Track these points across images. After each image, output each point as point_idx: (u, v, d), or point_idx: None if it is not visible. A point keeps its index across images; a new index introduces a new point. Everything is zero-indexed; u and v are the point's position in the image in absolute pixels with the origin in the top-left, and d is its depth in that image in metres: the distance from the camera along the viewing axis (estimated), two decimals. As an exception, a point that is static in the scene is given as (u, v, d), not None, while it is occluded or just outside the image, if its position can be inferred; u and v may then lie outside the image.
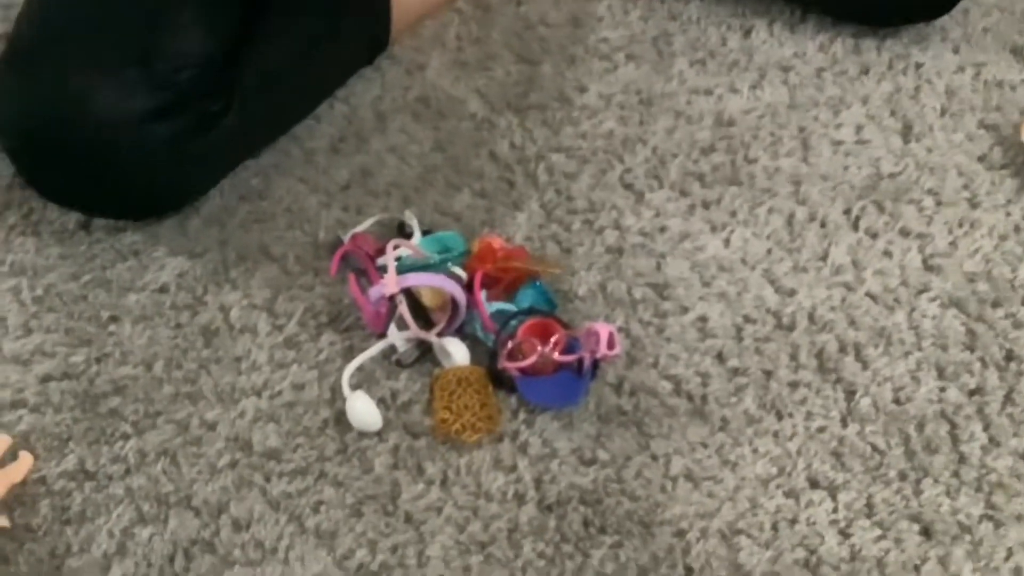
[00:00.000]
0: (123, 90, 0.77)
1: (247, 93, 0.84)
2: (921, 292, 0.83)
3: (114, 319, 0.81)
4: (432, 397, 0.77)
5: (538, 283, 0.82)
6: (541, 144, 0.94)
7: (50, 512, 0.71)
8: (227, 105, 0.83)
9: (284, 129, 0.92)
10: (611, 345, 0.76)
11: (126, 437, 0.75)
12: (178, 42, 0.80)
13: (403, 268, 0.79)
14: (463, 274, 0.81)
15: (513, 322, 0.79)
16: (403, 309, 0.77)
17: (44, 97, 0.78)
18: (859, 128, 0.95)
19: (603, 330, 0.75)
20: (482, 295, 0.79)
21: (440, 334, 0.79)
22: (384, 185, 0.91)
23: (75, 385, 0.77)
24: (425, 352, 0.80)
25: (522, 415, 0.77)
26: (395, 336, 0.79)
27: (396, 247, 0.80)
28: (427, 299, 0.80)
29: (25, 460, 0.72)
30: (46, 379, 0.78)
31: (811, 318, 0.82)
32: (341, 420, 0.76)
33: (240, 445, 0.75)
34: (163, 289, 0.83)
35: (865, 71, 0.99)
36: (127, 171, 0.79)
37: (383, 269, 0.79)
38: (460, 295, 0.78)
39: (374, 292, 0.78)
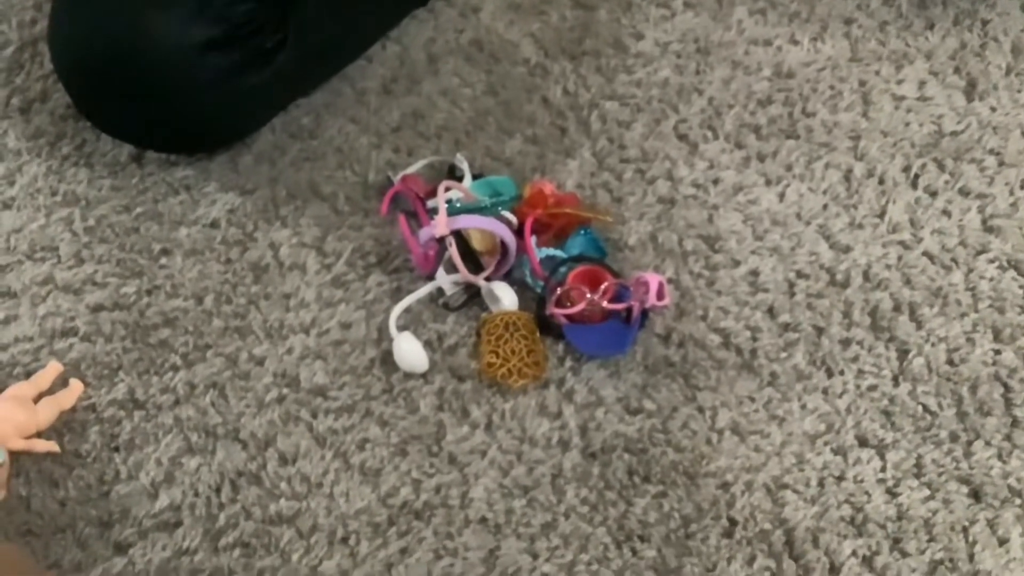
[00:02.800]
0: (179, 22, 0.77)
1: (301, 30, 0.83)
2: (980, 253, 0.81)
3: (165, 252, 0.81)
4: (479, 341, 0.77)
5: (589, 230, 0.81)
6: (595, 91, 0.92)
7: (99, 439, 0.72)
8: (281, 42, 0.82)
9: (336, 69, 0.91)
10: (660, 295, 0.75)
11: (175, 369, 0.75)
12: None
13: (454, 211, 0.79)
14: (514, 219, 0.80)
15: (562, 269, 0.78)
16: (453, 251, 0.76)
17: (101, 28, 0.77)
18: (922, 84, 0.92)
19: (653, 280, 0.74)
20: (532, 240, 0.79)
21: (488, 278, 0.78)
22: (435, 128, 0.90)
23: (126, 316, 0.78)
24: (473, 296, 0.79)
25: (568, 362, 0.76)
26: (443, 279, 0.79)
27: (447, 189, 0.80)
28: (477, 243, 0.80)
29: (75, 387, 0.73)
30: (97, 309, 0.78)
31: (866, 275, 0.80)
32: (387, 360, 0.76)
33: (287, 381, 0.75)
34: (214, 224, 0.83)
35: (930, 26, 0.97)
36: (181, 103, 0.79)
37: (433, 211, 0.79)
38: (511, 239, 0.77)
39: (424, 233, 0.77)
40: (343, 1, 0.87)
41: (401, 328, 0.77)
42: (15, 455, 0.69)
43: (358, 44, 0.93)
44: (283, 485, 0.71)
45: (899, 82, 0.92)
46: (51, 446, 0.70)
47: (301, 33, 0.83)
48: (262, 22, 0.80)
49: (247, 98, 0.82)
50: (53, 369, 0.74)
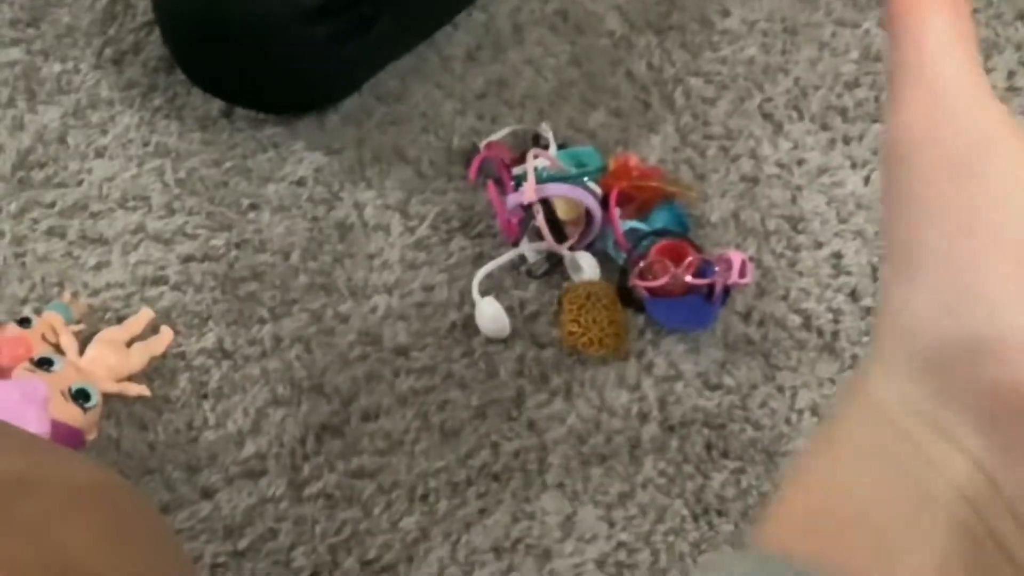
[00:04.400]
0: None
1: None
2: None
3: (253, 207, 0.83)
4: (560, 309, 0.77)
5: (672, 205, 0.81)
6: (680, 67, 0.92)
7: (188, 386, 0.74)
8: (379, 9, 0.83)
9: (427, 35, 0.92)
10: (743, 273, 0.75)
11: (263, 321, 0.77)
12: None
13: (541, 179, 0.79)
14: (598, 190, 0.80)
15: (645, 242, 0.78)
16: (539, 219, 0.77)
17: None
18: (1011, 74, 0.91)
19: (736, 257, 0.75)
20: (616, 212, 0.79)
21: (572, 248, 0.79)
22: (519, 96, 0.90)
23: (215, 267, 0.79)
24: (555, 265, 0.80)
25: (648, 335, 0.77)
26: (526, 246, 0.79)
27: (536, 157, 0.80)
28: (562, 211, 0.80)
29: (166, 334, 0.75)
30: (188, 259, 0.80)
31: (950, 263, 0.80)
32: (468, 324, 0.77)
33: (371, 339, 0.76)
34: (300, 182, 0.84)
35: (1020, 16, 0.95)
36: (283, 67, 0.80)
37: (518, 179, 0.79)
38: (596, 209, 0.78)
39: (511, 200, 0.78)
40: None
41: (484, 293, 0.78)
42: (107, 397, 0.71)
43: (449, 10, 0.93)
44: (365, 440, 0.72)
45: (989, 71, 0.91)
46: (142, 390, 0.72)
47: (396, 1, 0.84)
48: None
49: (345, 65, 0.83)
50: (144, 316, 0.75)
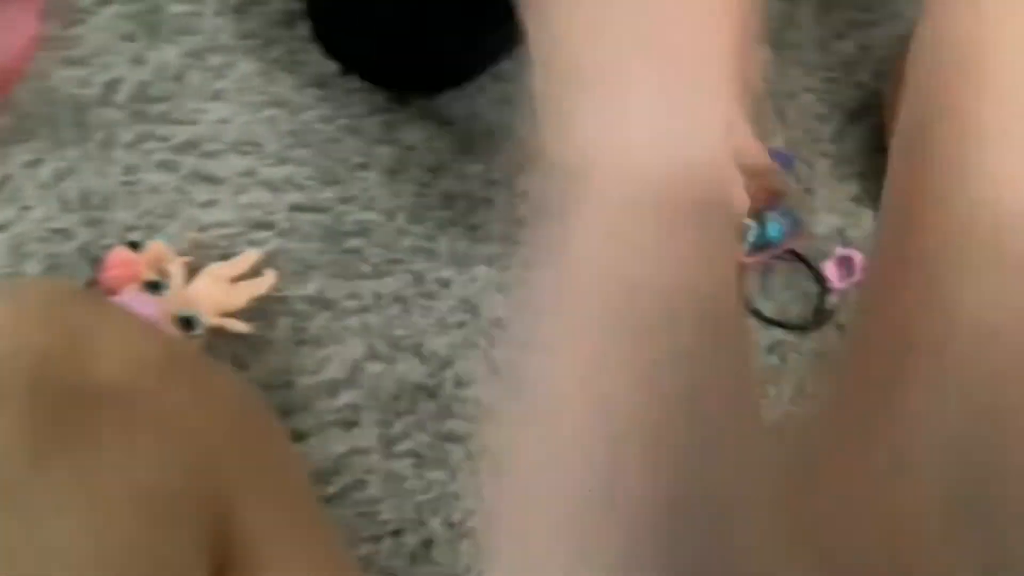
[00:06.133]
0: None
1: None
2: None
3: (363, 166, 0.83)
4: None
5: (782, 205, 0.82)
6: (793, 82, 0.92)
7: (287, 331, 0.74)
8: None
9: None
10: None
11: (365, 277, 0.77)
12: None
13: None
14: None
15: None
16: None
17: None
18: None
19: (856, 256, 0.77)
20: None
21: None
22: (631, 92, 0.91)
23: (322, 218, 0.79)
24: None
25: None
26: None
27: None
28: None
29: (269, 277, 0.75)
30: (295, 208, 0.80)
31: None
32: (566, 305, 0.77)
33: (469, 307, 0.76)
34: (411, 148, 0.84)
35: None
36: (421, 47, 0.80)
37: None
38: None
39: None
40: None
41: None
42: (208, 331, 0.71)
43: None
44: (456, 405, 0.72)
45: None
46: (243, 327, 0.72)
47: None
48: None
49: (482, 52, 0.84)
50: (249, 257, 0.75)
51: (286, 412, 0.70)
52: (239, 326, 0.72)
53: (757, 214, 0.81)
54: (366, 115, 0.86)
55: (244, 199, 0.80)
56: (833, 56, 0.94)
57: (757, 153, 0.81)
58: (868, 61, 0.94)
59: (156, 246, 0.73)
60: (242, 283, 0.74)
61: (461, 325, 0.75)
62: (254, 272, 0.75)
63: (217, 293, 0.72)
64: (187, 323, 0.67)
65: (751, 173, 0.82)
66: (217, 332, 0.72)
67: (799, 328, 0.77)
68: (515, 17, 0.89)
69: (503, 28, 0.84)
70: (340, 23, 0.82)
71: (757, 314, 0.77)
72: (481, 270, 0.78)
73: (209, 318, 0.70)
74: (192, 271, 0.74)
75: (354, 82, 0.88)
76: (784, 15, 0.97)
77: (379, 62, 0.84)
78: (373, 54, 0.83)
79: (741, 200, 0.40)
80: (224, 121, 0.84)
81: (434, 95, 0.88)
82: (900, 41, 0.94)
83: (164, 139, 0.83)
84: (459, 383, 0.73)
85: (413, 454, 0.69)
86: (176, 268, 0.72)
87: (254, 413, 0.50)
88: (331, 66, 0.88)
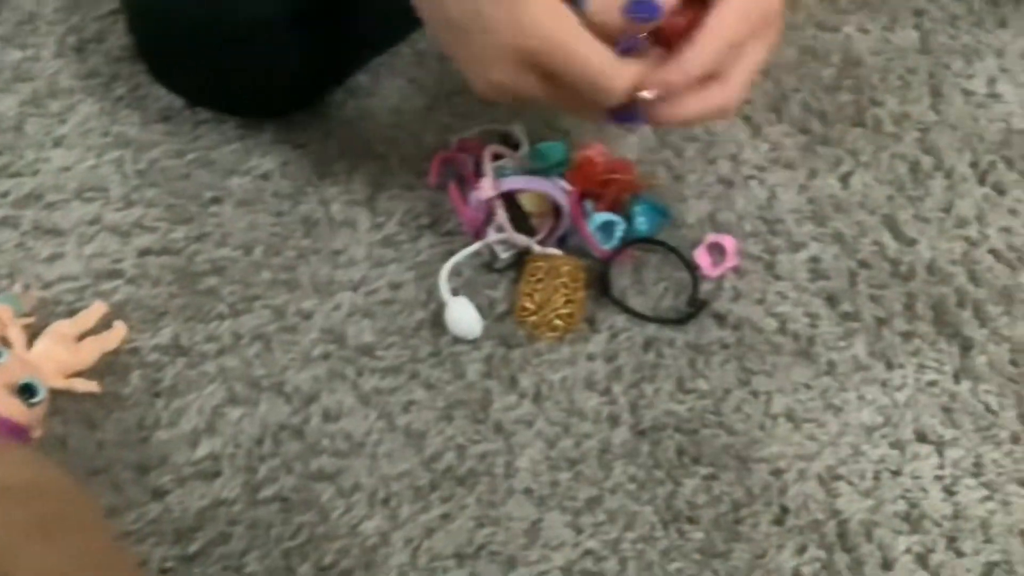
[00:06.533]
0: None
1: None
2: (1048, 254, 0.79)
3: (216, 200, 0.80)
4: (520, 279, 0.75)
5: (649, 198, 0.79)
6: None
7: (141, 383, 0.71)
8: (359, 11, 0.80)
9: (408, 34, 0.90)
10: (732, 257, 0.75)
11: (222, 317, 0.74)
12: None
13: (503, 174, 0.77)
14: (567, 186, 0.78)
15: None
16: (499, 214, 0.75)
17: None
18: (992, 81, 0.90)
19: (729, 241, 0.76)
20: (586, 208, 0.77)
21: (542, 242, 0.77)
22: (493, 94, 0.88)
23: (174, 261, 0.76)
24: (523, 259, 0.77)
25: (622, 337, 0.74)
26: (494, 240, 0.77)
27: (494, 153, 0.78)
28: (528, 205, 0.78)
29: (119, 329, 0.72)
30: (145, 252, 0.77)
31: (930, 269, 0.78)
32: (436, 323, 0.75)
33: (334, 337, 0.74)
34: (266, 176, 0.82)
35: (1002, 24, 0.94)
36: (258, 75, 0.77)
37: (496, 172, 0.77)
38: (563, 199, 0.76)
39: (472, 198, 0.76)
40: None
41: (454, 292, 0.75)
42: (54, 394, 0.68)
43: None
44: (325, 441, 0.69)
45: (969, 77, 0.90)
46: (92, 386, 0.69)
47: (378, 4, 0.82)
48: None
49: (324, 69, 0.81)
50: (97, 310, 0.72)
51: (143, 470, 0.67)
52: (87, 386, 0.69)
53: (623, 208, 0.79)
54: (216, 146, 0.83)
55: (90, 249, 0.77)
56: (697, 36, 0.92)
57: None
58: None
59: (-5, 310, 0.70)
60: (89, 339, 0.71)
61: (326, 356, 0.73)
62: (103, 325, 0.72)
63: (62, 353, 0.69)
64: (28, 391, 0.64)
65: (611, 169, 0.80)
66: (65, 395, 0.68)
67: (674, 321, 0.75)
68: (361, 32, 0.87)
69: (349, 43, 0.82)
70: (171, 58, 0.79)
71: (630, 311, 0.75)
72: (345, 296, 0.76)
73: (53, 382, 0.67)
74: (38, 331, 0.71)
75: (203, 113, 0.85)
76: None
77: (220, 92, 0.80)
78: (211, 85, 0.80)
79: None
80: (66, 168, 0.81)
81: (286, 116, 0.85)
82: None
83: (3, 195, 0.79)
84: (326, 417, 0.70)
85: (279, 498, 0.67)
86: (15, 332, 0.69)
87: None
88: (177, 99, 0.85)
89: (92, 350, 0.70)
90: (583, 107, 0.63)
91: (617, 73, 0.60)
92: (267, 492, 0.67)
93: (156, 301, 0.74)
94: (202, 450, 0.68)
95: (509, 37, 0.58)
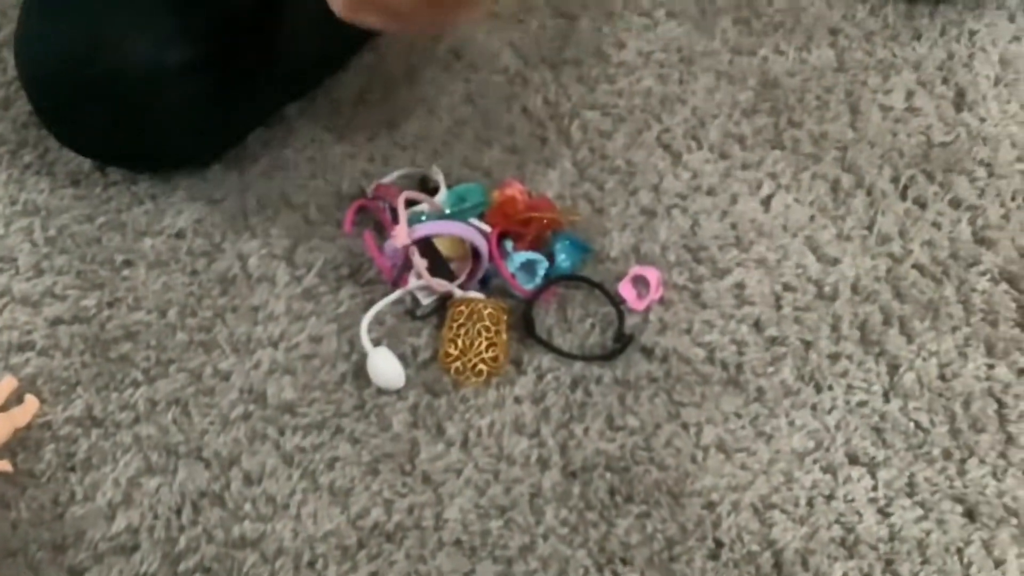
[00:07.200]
0: (156, 44, 0.73)
1: (283, 49, 0.81)
2: (971, 265, 0.79)
3: (128, 263, 0.78)
4: (444, 324, 0.74)
5: (566, 234, 0.79)
6: (576, 100, 0.90)
7: (54, 458, 0.69)
8: (263, 62, 0.79)
9: (318, 83, 0.89)
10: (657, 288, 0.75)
11: (136, 384, 0.72)
12: None
13: (418, 220, 0.76)
14: (486, 227, 0.77)
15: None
16: (415, 260, 0.74)
17: (74, 46, 0.73)
18: (910, 95, 0.90)
19: (652, 274, 0.75)
20: (506, 248, 0.76)
21: (463, 285, 0.76)
22: (411, 137, 0.87)
23: (85, 329, 0.74)
24: (444, 304, 0.76)
25: (549, 378, 0.73)
26: (416, 288, 0.76)
27: (409, 199, 0.77)
28: (445, 249, 0.77)
29: (31, 404, 0.70)
30: (56, 322, 0.75)
31: (855, 288, 0.78)
32: (359, 375, 0.73)
33: (254, 397, 0.72)
34: (180, 235, 0.80)
35: (917, 37, 0.95)
36: (154, 126, 0.76)
37: (413, 219, 0.76)
38: (482, 244, 0.75)
39: (388, 246, 0.75)
40: (326, 17, 0.85)
41: (376, 342, 0.74)
42: (-36, 475, 0.66)
43: (339, 58, 0.90)
44: (247, 506, 0.67)
45: (887, 92, 0.91)
46: (3, 465, 0.67)
47: (283, 51, 0.81)
48: (243, 43, 0.77)
49: (220, 121, 0.79)
50: (7, 384, 0.70)
51: (58, 549, 0.65)
52: (-2, 464, 0.67)
53: (546, 246, 0.78)
54: (128, 208, 0.81)
55: (0, 322, 0.75)
56: (614, 68, 0.92)
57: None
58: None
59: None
60: (0, 416, 0.68)
61: (246, 417, 0.71)
62: (15, 400, 0.70)
63: (-30, 432, 0.66)
64: (-69, 474, 0.62)
65: (532, 207, 0.80)
66: (-26, 475, 0.66)
67: (600, 358, 0.74)
68: (268, 78, 0.86)
69: (242, 91, 0.81)
70: (69, 119, 0.77)
71: (556, 350, 0.74)
72: (265, 353, 0.74)
73: (-39, 462, 0.65)
74: (-55, 411, 0.69)
75: (113, 175, 0.83)
76: (561, 32, 0.95)
77: (124, 149, 0.79)
78: (113, 142, 0.78)
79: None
80: (-27, 240, 0.79)
81: (199, 172, 0.83)
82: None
83: (-92, 270, 0.77)
84: (248, 481, 0.68)
85: (201, 569, 0.65)
86: (-81, 414, 0.66)
87: None
88: (87, 161, 0.84)
89: (3, 428, 0.68)
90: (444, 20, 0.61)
91: None
92: (188, 563, 0.65)
93: (68, 372, 0.72)
94: (119, 524, 0.66)
95: None
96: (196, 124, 0.78)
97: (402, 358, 0.73)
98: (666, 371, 0.74)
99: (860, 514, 0.67)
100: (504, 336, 0.73)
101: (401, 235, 0.73)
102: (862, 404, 0.72)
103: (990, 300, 0.77)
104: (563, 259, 0.78)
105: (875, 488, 0.68)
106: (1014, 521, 0.67)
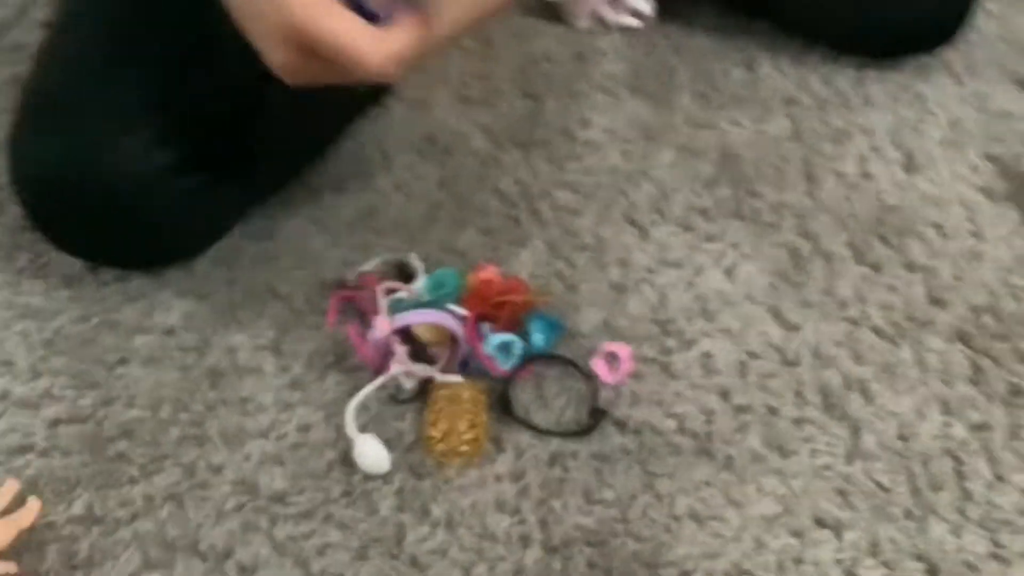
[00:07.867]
0: (140, 148, 0.78)
1: (262, 145, 0.85)
2: (926, 326, 0.83)
3: (122, 361, 0.82)
4: (425, 409, 0.77)
5: (540, 314, 0.82)
6: (545, 179, 0.94)
7: (57, 558, 0.72)
8: (243, 159, 0.84)
9: (297, 174, 0.93)
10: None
11: (133, 481, 0.75)
12: (196, 98, 0.81)
13: (400, 309, 0.80)
14: (463, 311, 0.81)
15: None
16: (398, 350, 0.77)
17: (65, 152, 0.78)
18: (863, 160, 0.95)
19: (623, 350, 0.79)
20: (483, 330, 0.80)
21: (444, 370, 0.79)
22: (389, 223, 0.91)
23: (83, 429, 0.78)
24: (426, 388, 0.80)
25: (527, 455, 0.77)
26: (399, 373, 0.79)
27: (388, 288, 0.81)
28: (424, 336, 0.80)
29: (33, 506, 0.73)
30: (55, 423, 0.78)
31: (816, 353, 0.81)
32: (347, 461, 0.76)
33: (246, 488, 0.75)
34: (170, 331, 0.84)
35: (868, 102, 1.00)
36: (140, 227, 0.80)
37: (393, 306, 0.80)
38: (457, 327, 0.78)
39: (369, 336, 0.79)
40: (303, 110, 0.89)
41: (362, 428, 0.77)
42: (-29, 579, 0.68)
43: (317, 149, 0.95)
44: (244, 596, 0.70)
45: (841, 159, 0.95)
46: (9, 567, 0.70)
47: (262, 148, 0.85)
48: (223, 144, 0.82)
49: (208, 217, 0.84)
50: (9, 489, 0.73)
51: (64, 647, 0.68)
52: (3, 567, 0.69)
53: (520, 326, 0.82)
54: (120, 307, 0.85)
55: (0, 425, 0.78)
56: (581, 146, 0.97)
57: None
58: (613, 144, 0.97)
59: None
60: (4, 520, 0.71)
61: (239, 508, 0.74)
62: (17, 503, 0.73)
63: (-25, 537, 0.69)
64: (-62, 582, 0.65)
65: (506, 289, 0.83)
66: (-19, 579, 0.69)
67: (576, 433, 0.77)
68: (250, 174, 0.90)
69: (227, 187, 0.85)
70: (60, 222, 0.81)
71: (532, 427, 0.78)
72: (255, 445, 0.78)
73: (-33, 568, 0.68)
74: (-50, 517, 0.72)
75: (105, 274, 0.87)
76: (529, 113, 0.99)
77: (114, 249, 0.83)
78: (104, 243, 0.82)
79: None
80: (-28, 346, 0.82)
81: (188, 267, 0.87)
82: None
83: (-89, 379, 0.81)
84: (242, 572, 0.71)
85: (202, 660, 0.68)
86: (-75, 522, 0.69)
87: None
88: (78, 263, 0.87)
89: (8, 531, 0.71)
90: (351, 80, 0.64)
91: (370, 45, 0.61)
92: (188, 655, 0.68)
93: (68, 472, 0.76)
94: (121, 620, 0.69)
95: (273, 18, 0.61)
96: (184, 222, 0.83)
97: (387, 442, 0.77)
98: (639, 443, 0.77)
99: (828, 576, 0.71)
100: (483, 417, 0.77)
101: (381, 326, 0.77)
102: (826, 467, 0.76)
103: (945, 359, 0.81)
104: (538, 338, 0.81)
105: (841, 549, 0.72)
106: (974, 576, 0.70)
